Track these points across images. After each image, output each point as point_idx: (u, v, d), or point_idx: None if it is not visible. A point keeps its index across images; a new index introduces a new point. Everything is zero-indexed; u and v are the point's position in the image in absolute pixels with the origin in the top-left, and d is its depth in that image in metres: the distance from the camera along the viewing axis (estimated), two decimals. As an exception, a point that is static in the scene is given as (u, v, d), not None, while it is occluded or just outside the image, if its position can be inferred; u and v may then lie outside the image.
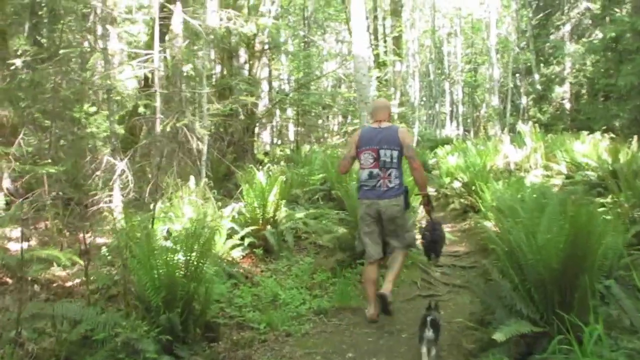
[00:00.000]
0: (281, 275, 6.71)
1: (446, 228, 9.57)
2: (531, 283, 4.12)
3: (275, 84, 22.58)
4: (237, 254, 7.03)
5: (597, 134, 10.54)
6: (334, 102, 17.35)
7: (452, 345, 4.64)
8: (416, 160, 5.10)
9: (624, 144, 9.09)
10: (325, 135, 28.38)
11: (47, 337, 4.09)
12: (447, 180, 12.17)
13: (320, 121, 26.94)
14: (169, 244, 4.85)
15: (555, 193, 4.94)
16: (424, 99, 38.62)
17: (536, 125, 11.99)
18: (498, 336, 3.63)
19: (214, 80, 14.54)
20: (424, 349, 4.18)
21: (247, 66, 14.86)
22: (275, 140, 22.79)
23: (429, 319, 4.21)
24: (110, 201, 7.71)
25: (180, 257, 4.51)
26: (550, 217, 4.33)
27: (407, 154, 5.08)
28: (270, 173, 8.98)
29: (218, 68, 15.96)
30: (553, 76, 24.94)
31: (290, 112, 21.92)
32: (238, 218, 7.75)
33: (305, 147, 18.11)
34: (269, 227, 7.81)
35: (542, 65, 25.59)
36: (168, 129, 8.03)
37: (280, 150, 17.63)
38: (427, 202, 5.28)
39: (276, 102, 16.82)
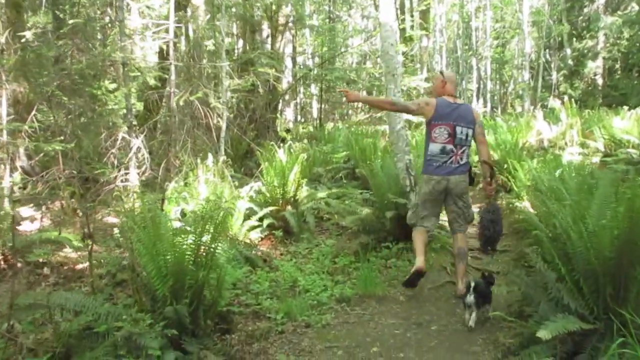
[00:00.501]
0: (301, 258, 6.30)
1: (475, 208, 9.15)
2: (580, 274, 3.65)
3: (299, 59, 22.08)
4: (255, 235, 6.65)
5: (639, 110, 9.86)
6: (358, 77, 16.77)
7: (488, 340, 4.18)
8: (485, 137, 5.18)
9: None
10: (350, 112, 27.89)
11: (44, 329, 3.75)
12: (476, 158, 11.57)
13: (344, 98, 26.40)
14: (179, 225, 4.47)
15: (605, 173, 4.37)
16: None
17: (572, 100, 11.27)
18: (543, 334, 3.17)
19: (235, 55, 14.12)
20: (467, 315, 4.38)
21: (269, 40, 14.37)
22: (298, 117, 22.34)
23: (472, 284, 4.33)
24: (127, 180, 7.37)
25: (190, 240, 4.10)
26: (602, 199, 3.81)
27: (479, 131, 5.08)
28: (292, 151, 8.57)
29: (240, 43, 15.52)
30: (586, 51, 23.95)
31: (314, 88, 21.40)
32: (257, 198, 7.36)
33: (329, 125, 17.63)
34: (289, 207, 7.42)
35: (574, 39, 24.59)
36: (182, 103, 7.62)
37: (303, 128, 17.16)
38: (491, 174, 5.15)
39: (299, 77, 16.31)
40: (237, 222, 6.42)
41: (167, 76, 8.56)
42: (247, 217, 6.66)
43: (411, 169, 6.32)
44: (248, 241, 6.44)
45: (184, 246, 3.98)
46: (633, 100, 14.50)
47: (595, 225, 3.59)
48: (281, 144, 9.62)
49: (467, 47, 36.59)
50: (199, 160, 7.79)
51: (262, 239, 6.81)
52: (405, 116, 7.23)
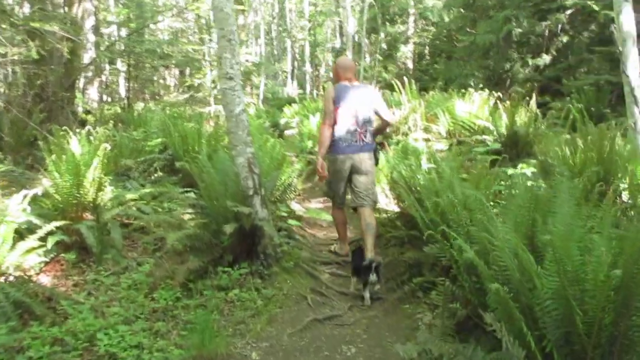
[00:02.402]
0: (104, 294, 4.33)
1: (317, 204, 7.77)
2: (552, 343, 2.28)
3: (104, 31, 19.15)
4: (34, 261, 4.54)
5: (484, 92, 9.16)
6: (171, 52, 14.55)
7: None
8: (390, 115, 5.51)
9: (519, 104, 7.76)
10: (162, 91, 25.37)
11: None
12: (309, 144, 10.23)
13: (155, 77, 23.88)
14: None
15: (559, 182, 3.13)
16: (268, 55, 36.50)
17: (412, 81, 10.35)
18: None
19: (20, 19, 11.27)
20: (366, 293, 4.44)
21: (65, 6, 11.71)
22: (105, 97, 19.47)
23: (374, 263, 4.38)
24: None
25: None
26: (567, 221, 2.49)
27: (381, 111, 5.22)
28: (92, 138, 6.45)
29: (27, 7, 12.61)
30: (398, 35, 24.05)
31: (120, 65, 18.64)
32: (36, 207, 5.20)
33: (139, 105, 15.25)
34: (87, 216, 5.38)
35: (387, 24, 24.57)
36: None
37: (108, 109, 14.53)
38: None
39: (104, 50, 13.69)
40: (3, 246, 4.27)
41: None
42: (20, 236, 4.53)
43: (255, 165, 4.67)
44: (21, 273, 4.33)
45: None
46: (454, 83, 14.30)
47: (575, 262, 2.24)
48: (79, 129, 7.40)
49: (281, 28, 35.78)
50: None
51: (45, 265, 4.72)
52: (247, 99, 5.60)
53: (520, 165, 6.01)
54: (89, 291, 4.41)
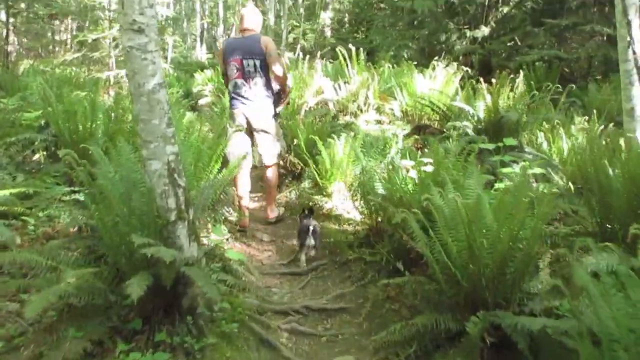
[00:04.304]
0: None
1: (253, 203, 6.05)
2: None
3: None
4: None
5: (449, 67, 7.59)
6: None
7: None
8: (278, 68, 4.79)
9: (503, 82, 6.30)
10: (57, 49, 22.25)
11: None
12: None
13: (49, 32, 20.79)
14: None
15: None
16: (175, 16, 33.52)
17: (360, 49, 8.50)
18: None
19: None
20: (302, 256, 4.28)
21: None
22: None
23: (311, 227, 4.21)
24: None
25: None
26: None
27: (270, 61, 4.77)
28: None
29: None
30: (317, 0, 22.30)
31: (3, 15, 15.61)
32: None
33: (25, 65, 12.57)
34: None
35: (307, -13, 22.73)
36: None
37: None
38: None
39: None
40: None
41: None
42: None
43: (179, 173, 2.86)
44: None
45: None
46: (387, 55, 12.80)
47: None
48: None
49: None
50: None
51: None
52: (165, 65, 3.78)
53: (519, 163, 4.54)
54: None
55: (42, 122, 6.08)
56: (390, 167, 4.09)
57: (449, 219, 2.86)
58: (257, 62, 4.75)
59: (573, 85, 7.83)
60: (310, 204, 5.18)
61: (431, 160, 4.45)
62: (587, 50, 10.66)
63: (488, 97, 5.60)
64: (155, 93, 2.75)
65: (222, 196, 4.21)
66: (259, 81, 4.79)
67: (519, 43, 11.80)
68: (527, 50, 11.34)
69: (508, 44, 11.89)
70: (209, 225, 4.25)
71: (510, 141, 4.94)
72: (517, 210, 2.73)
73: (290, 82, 5.08)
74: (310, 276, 4.13)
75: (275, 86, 4.99)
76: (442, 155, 3.79)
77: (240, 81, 4.79)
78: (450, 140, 5.41)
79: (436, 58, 9.28)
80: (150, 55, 2.74)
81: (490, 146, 4.50)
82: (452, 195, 2.71)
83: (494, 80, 6.66)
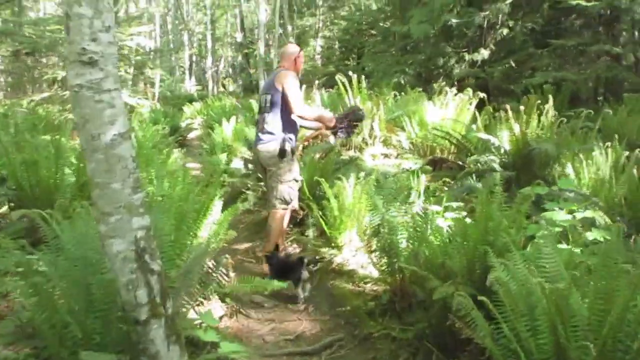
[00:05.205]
0: None
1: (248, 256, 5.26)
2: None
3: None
4: None
5: (461, 93, 6.88)
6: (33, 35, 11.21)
7: None
8: (290, 104, 4.33)
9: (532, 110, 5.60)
10: (44, 86, 21.58)
11: None
12: (222, 158, 7.52)
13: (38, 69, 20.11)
14: None
15: None
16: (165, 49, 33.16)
17: (362, 77, 7.70)
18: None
19: None
20: (300, 290, 4.03)
21: None
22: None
23: (305, 260, 4.05)
24: None
25: None
26: None
27: (286, 97, 4.35)
28: None
29: None
30: (307, 28, 21.82)
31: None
32: None
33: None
34: None
35: (295, 17, 22.25)
36: None
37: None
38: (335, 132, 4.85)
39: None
40: None
41: None
42: None
43: (152, 254, 2.07)
44: None
45: None
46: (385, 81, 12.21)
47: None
48: None
49: (177, 21, 32.66)
50: None
51: None
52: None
53: (561, 208, 3.75)
54: None
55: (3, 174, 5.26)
56: (418, 217, 3.31)
57: (520, 303, 2.09)
58: (269, 97, 4.47)
59: (591, 111, 7.16)
60: (317, 257, 4.44)
61: (460, 205, 3.71)
62: (596, 70, 10.04)
63: (516, 126, 4.86)
64: (115, 147, 1.97)
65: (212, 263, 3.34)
66: (268, 117, 4.46)
67: (521, 65, 11.19)
68: (532, 73, 10.74)
69: (509, 67, 11.26)
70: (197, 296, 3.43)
71: (539, 189, 4.06)
72: (613, 284, 1.98)
73: (307, 114, 4.52)
74: (324, 357, 3.31)
75: (301, 121, 4.55)
76: (486, 201, 2.99)
77: (258, 117, 4.67)
78: (473, 177, 4.66)
79: (437, 82, 8.66)
80: (108, 95, 1.97)
81: (544, 190, 3.72)
82: (536, 280, 1.93)
83: (508, 106, 5.97)
